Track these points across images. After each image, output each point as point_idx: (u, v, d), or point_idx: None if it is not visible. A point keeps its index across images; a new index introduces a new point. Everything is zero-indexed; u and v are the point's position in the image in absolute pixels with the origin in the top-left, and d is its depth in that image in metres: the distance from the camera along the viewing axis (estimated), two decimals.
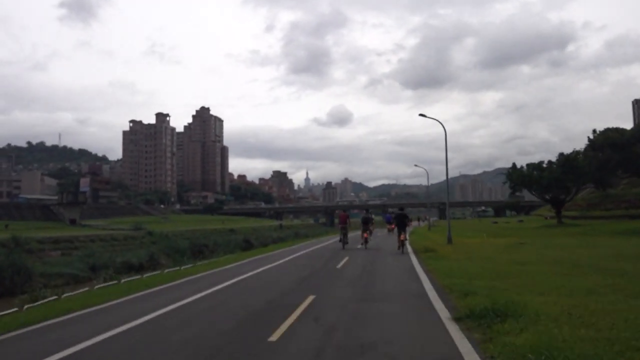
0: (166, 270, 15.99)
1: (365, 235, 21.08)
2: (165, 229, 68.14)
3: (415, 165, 43.75)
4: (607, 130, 46.98)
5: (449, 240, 22.04)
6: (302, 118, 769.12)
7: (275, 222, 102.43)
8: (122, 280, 13.44)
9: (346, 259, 16.09)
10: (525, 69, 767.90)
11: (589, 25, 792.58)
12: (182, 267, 16.45)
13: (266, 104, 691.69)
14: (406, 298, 8.40)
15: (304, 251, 21.43)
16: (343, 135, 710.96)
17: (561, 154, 43.53)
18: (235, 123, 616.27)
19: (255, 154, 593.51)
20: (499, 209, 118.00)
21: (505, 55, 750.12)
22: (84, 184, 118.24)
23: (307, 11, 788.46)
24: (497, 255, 15.95)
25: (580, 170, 40.34)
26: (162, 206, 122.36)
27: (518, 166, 46.68)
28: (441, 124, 23.17)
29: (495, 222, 62.50)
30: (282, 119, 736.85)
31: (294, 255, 18.89)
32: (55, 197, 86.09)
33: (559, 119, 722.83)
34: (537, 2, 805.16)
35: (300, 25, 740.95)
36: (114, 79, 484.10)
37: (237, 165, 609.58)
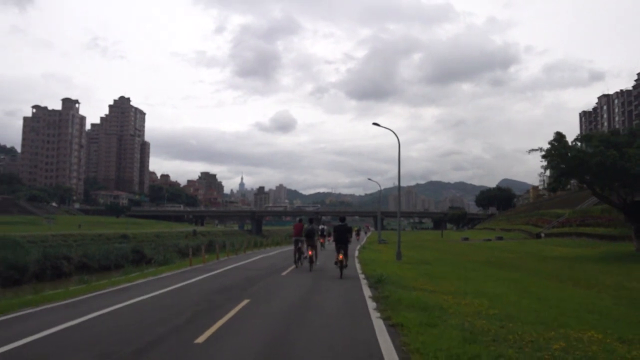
0: None
1: (310, 252, 16.80)
2: (31, 233, 53.02)
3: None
4: None
5: None
6: (246, 122, 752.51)
7: (195, 228, 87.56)
8: None
9: None
10: (467, 87, 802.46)
11: (532, 49, 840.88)
12: None
13: (210, 106, 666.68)
14: None
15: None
16: (285, 141, 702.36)
17: None
18: (177, 124, 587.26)
19: (194, 157, 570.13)
20: (440, 222, 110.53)
21: (449, 72, 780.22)
22: None
23: (259, 15, 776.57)
24: None
25: None
26: (54, 205, 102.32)
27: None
28: (394, 133, 19.39)
29: (467, 239, 48.53)
30: (225, 122, 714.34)
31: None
32: None
33: (492, 137, 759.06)
34: (482, 25, 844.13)
35: (251, 29, 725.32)
36: (49, 70, 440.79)
37: (174, 168, 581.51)
